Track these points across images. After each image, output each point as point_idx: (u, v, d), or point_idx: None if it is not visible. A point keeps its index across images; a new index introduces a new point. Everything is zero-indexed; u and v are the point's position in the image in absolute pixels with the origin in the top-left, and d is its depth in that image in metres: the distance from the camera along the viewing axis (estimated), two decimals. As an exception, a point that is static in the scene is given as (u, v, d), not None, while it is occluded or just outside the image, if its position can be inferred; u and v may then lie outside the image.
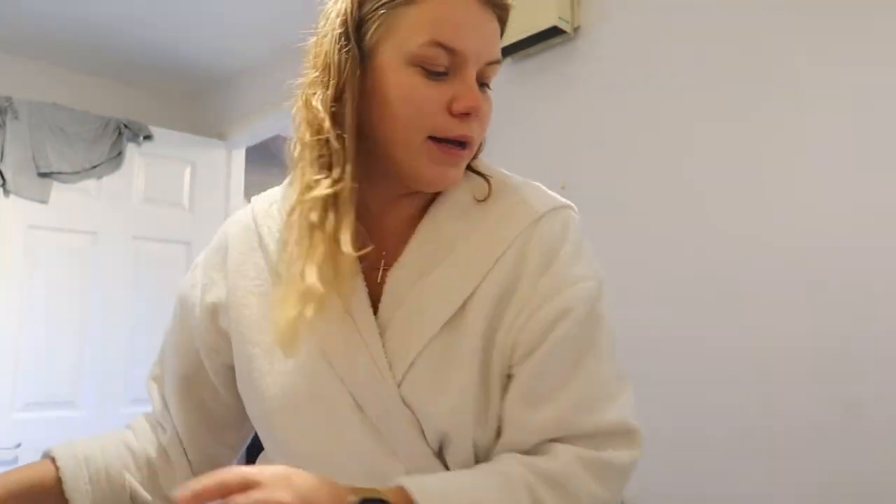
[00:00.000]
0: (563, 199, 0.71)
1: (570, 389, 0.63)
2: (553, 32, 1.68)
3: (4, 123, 2.46)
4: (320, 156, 0.63)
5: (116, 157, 2.72)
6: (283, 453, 0.67)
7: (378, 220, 0.69)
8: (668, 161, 1.50)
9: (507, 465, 0.60)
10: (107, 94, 2.99)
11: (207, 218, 2.96)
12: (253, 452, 0.82)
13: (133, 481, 0.73)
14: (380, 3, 0.62)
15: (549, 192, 0.72)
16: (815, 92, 1.30)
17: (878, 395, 1.16)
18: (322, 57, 0.64)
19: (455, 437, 0.63)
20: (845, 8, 1.28)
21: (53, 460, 0.71)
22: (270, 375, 0.67)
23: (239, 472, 0.50)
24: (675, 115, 1.50)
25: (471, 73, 0.64)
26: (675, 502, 1.36)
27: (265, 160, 4.06)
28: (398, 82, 0.63)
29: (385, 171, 0.67)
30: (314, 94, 0.64)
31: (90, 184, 2.66)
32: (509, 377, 0.65)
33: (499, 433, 0.65)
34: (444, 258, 0.66)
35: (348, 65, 0.63)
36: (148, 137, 2.80)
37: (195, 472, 0.76)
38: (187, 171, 2.93)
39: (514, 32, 1.67)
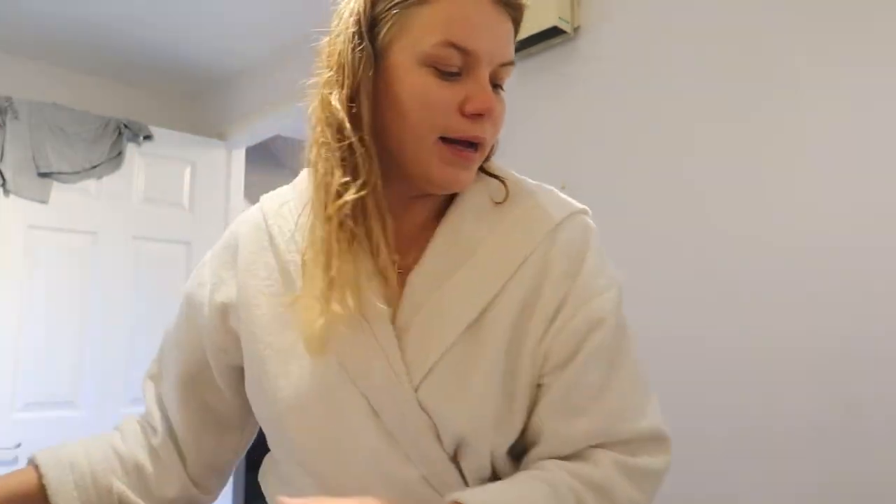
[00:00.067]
0: (578, 204, 0.72)
1: (606, 398, 0.64)
2: (553, 32, 1.68)
3: (4, 123, 2.46)
4: (343, 158, 0.62)
5: (116, 157, 2.72)
6: (294, 456, 0.67)
7: (392, 222, 0.69)
8: (668, 161, 1.50)
9: (553, 472, 0.61)
10: (107, 94, 2.99)
11: (207, 218, 2.96)
12: (253, 455, 0.82)
13: (121, 486, 0.71)
14: (393, 2, 0.62)
15: (563, 195, 0.73)
16: (815, 92, 1.30)
17: (878, 395, 1.16)
18: (336, 56, 0.64)
19: (473, 442, 0.63)
20: (845, 8, 1.28)
21: (37, 467, 0.70)
22: (283, 377, 0.66)
23: (324, 500, 0.53)
24: (675, 115, 1.50)
25: (484, 74, 0.63)
26: (674, 502, 1.36)
27: (265, 160, 4.06)
28: (410, 82, 0.62)
29: (397, 172, 0.66)
30: (331, 93, 0.63)
31: (90, 184, 2.66)
32: (539, 386, 0.65)
33: (518, 439, 0.66)
34: (464, 263, 0.66)
35: (362, 64, 0.62)
36: (148, 137, 2.80)
37: (191, 475, 0.75)
38: (187, 171, 2.93)
39: (514, 32, 1.67)
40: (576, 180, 1.53)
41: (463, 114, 0.62)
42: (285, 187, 0.77)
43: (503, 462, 0.66)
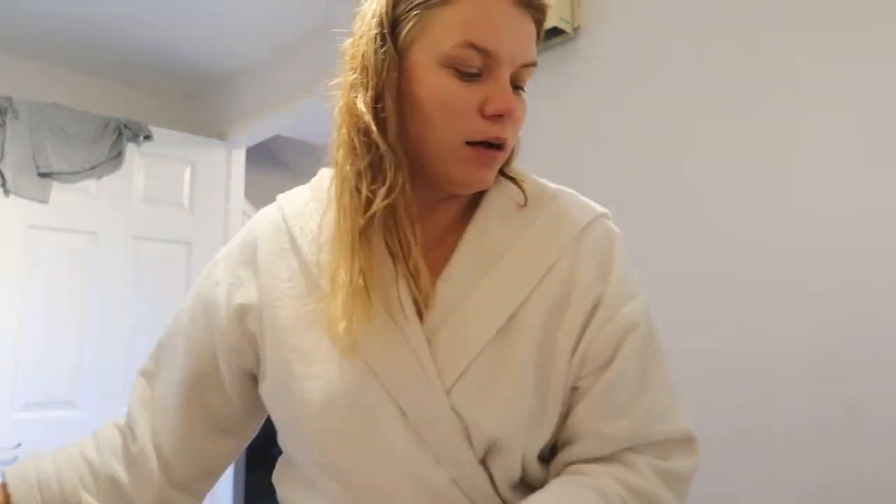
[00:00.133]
0: (600, 207, 0.73)
1: (644, 400, 0.66)
2: (553, 32, 1.68)
3: (4, 123, 2.46)
4: (371, 164, 0.62)
5: (116, 157, 2.72)
6: (319, 458, 0.66)
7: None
8: (668, 161, 1.50)
9: (601, 479, 0.62)
10: (107, 94, 2.99)
11: (207, 218, 2.97)
12: (253, 455, 0.81)
13: (90, 501, 0.70)
14: (414, 3, 0.62)
15: (584, 198, 0.74)
16: (815, 92, 1.30)
17: (878, 395, 1.16)
18: (360, 58, 0.64)
19: (505, 445, 0.63)
20: (845, 8, 1.28)
21: (5, 487, 0.69)
22: (309, 380, 0.65)
23: None
24: (675, 115, 1.50)
25: (504, 75, 0.63)
26: (675, 502, 1.36)
27: (265, 160, 4.06)
28: (430, 83, 0.62)
29: (420, 174, 0.66)
30: (356, 96, 0.63)
31: (90, 184, 2.66)
32: (575, 389, 0.66)
33: (549, 442, 0.67)
34: (493, 267, 0.66)
35: (386, 66, 0.62)
36: (148, 137, 2.80)
37: (179, 480, 0.74)
38: (187, 171, 2.93)
39: (514, 32, 1.67)
40: (576, 180, 1.52)
41: (483, 115, 0.62)
42: (303, 187, 0.76)
43: (533, 464, 0.66)
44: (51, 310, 2.51)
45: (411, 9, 0.62)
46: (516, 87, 0.65)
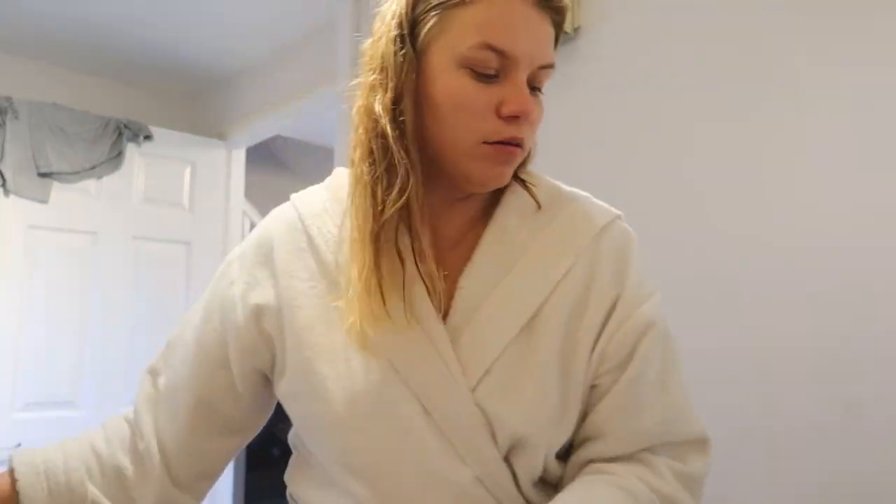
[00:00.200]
0: (614, 209, 0.74)
1: (664, 400, 0.68)
2: (553, 32, 1.68)
3: (4, 123, 2.46)
4: (388, 167, 0.63)
5: (116, 157, 2.72)
6: (341, 458, 0.66)
7: (433, 225, 0.69)
8: (668, 161, 1.50)
9: (628, 480, 0.63)
10: (107, 94, 2.99)
11: (207, 218, 2.97)
12: (253, 455, 0.81)
13: (95, 492, 0.70)
14: (432, 3, 0.62)
15: (598, 201, 0.75)
16: (815, 92, 1.30)
17: (878, 395, 1.16)
18: (379, 59, 0.64)
19: (529, 442, 0.64)
20: (845, 8, 1.28)
21: (13, 471, 0.69)
22: (331, 379, 0.65)
23: None
24: (675, 115, 1.50)
25: (521, 77, 0.63)
26: (675, 502, 1.36)
27: (265, 160, 4.06)
28: (447, 84, 0.63)
29: (438, 174, 0.67)
30: (375, 97, 0.64)
31: (90, 184, 2.66)
32: (594, 387, 0.68)
33: (570, 439, 0.68)
34: (513, 266, 0.67)
35: (405, 68, 0.63)
36: (148, 137, 2.80)
37: (180, 480, 0.73)
38: (187, 171, 2.93)
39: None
40: (576, 180, 1.52)
41: (499, 116, 0.63)
42: (317, 187, 0.77)
43: (552, 462, 0.67)
44: (51, 310, 2.52)
45: (430, 9, 0.63)
46: (533, 88, 0.66)
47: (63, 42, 2.69)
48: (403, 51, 0.63)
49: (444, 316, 0.66)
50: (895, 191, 1.19)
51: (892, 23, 1.22)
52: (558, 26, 0.67)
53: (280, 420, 0.80)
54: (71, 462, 0.71)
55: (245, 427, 0.77)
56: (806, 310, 1.26)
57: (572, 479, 0.67)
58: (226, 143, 3.06)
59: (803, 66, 1.32)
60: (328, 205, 0.72)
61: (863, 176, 1.23)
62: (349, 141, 0.67)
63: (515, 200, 0.71)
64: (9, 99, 2.49)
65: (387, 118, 0.62)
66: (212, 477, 0.77)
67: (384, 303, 0.62)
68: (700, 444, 0.69)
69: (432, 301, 0.65)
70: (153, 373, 0.77)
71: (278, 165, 4.29)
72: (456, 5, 0.62)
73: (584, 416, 0.68)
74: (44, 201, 2.53)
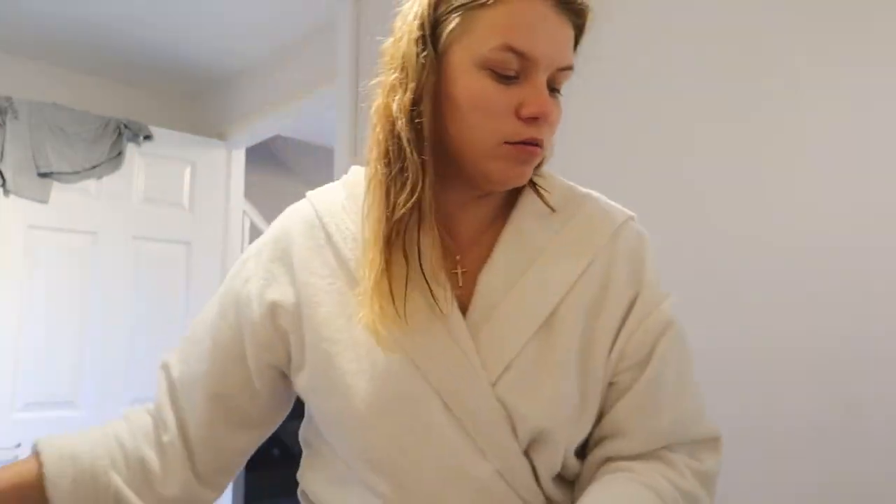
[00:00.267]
0: (626, 210, 0.76)
1: (680, 400, 0.70)
2: (553, 32, 1.68)
3: (4, 123, 2.46)
4: (402, 168, 0.63)
5: (116, 157, 2.73)
6: (363, 454, 0.67)
7: (451, 223, 0.71)
8: (668, 161, 1.50)
9: (652, 478, 0.64)
10: (107, 94, 2.99)
11: (207, 218, 2.97)
12: (251, 457, 0.80)
13: (119, 482, 0.70)
14: (454, 5, 0.63)
15: (611, 201, 0.77)
16: (815, 92, 1.30)
17: (878, 395, 1.16)
18: (400, 59, 0.65)
19: (549, 436, 0.65)
20: (845, 8, 1.28)
21: (38, 455, 0.69)
22: (351, 374, 0.66)
23: None
24: (675, 115, 1.50)
25: (541, 79, 0.64)
26: (675, 502, 1.36)
27: (265, 160, 4.07)
28: (467, 84, 0.63)
29: (457, 172, 0.68)
30: (393, 98, 0.64)
31: (90, 184, 2.66)
32: (612, 384, 0.70)
33: (589, 435, 0.70)
34: (531, 264, 0.69)
35: (426, 70, 0.63)
36: (148, 137, 2.80)
37: (201, 474, 0.74)
38: (187, 171, 2.93)
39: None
40: (576, 180, 1.52)
41: (519, 117, 0.64)
42: (333, 185, 0.78)
43: (570, 459, 0.69)
44: (51, 310, 2.52)
45: (452, 10, 0.63)
46: (552, 89, 0.66)
47: (63, 42, 2.69)
48: (425, 52, 0.63)
49: (464, 312, 0.67)
50: (895, 191, 1.19)
51: (892, 23, 1.22)
52: (578, 29, 0.68)
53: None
54: (96, 450, 0.71)
55: (263, 422, 0.77)
56: (806, 310, 1.26)
57: (590, 476, 0.68)
58: (226, 143, 3.06)
59: (803, 66, 1.32)
60: (346, 202, 0.73)
61: (863, 176, 1.23)
62: (366, 138, 0.68)
63: (531, 201, 0.72)
64: (9, 99, 2.49)
65: (404, 119, 0.63)
66: (231, 472, 0.78)
67: (394, 301, 0.63)
68: (713, 442, 0.71)
69: (434, 300, 0.65)
70: (169, 368, 0.77)
71: (278, 165, 4.29)
72: (478, 7, 0.62)
73: (601, 414, 0.70)
74: (44, 201, 2.53)
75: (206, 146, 3.01)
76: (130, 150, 2.76)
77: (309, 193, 0.77)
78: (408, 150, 0.63)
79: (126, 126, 2.74)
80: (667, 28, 1.54)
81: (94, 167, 2.65)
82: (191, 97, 3.28)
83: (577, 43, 0.69)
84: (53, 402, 2.49)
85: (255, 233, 3.48)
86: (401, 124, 0.63)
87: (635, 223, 0.76)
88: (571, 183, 0.78)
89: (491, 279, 0.68)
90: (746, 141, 1.38)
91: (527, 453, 0.66)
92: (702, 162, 1.45)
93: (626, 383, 0.69)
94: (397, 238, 0.64)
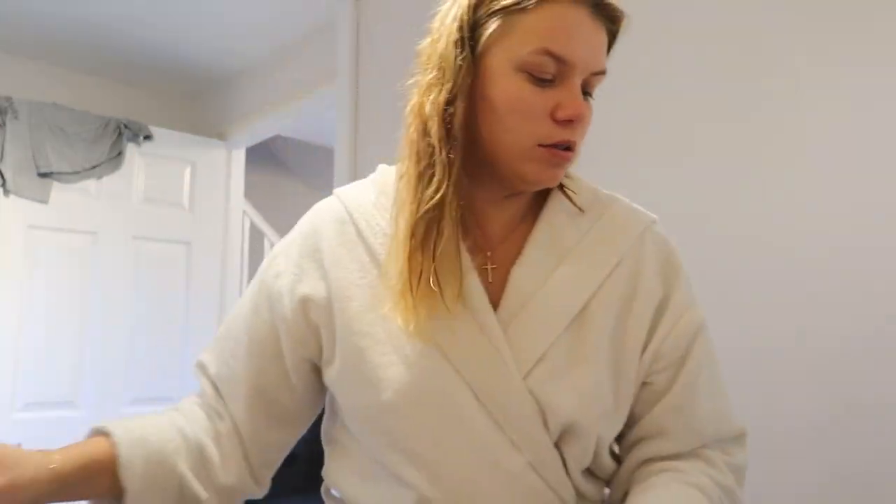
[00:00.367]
0: (650, 213, 0.79)
1: (714, 400, 0.73)
2: (553, 32, 1.68)
3: (4, 123, 2.46)
4: (430, 164, 0.65)
5: (116, 157, 2.73)
6: (397, 446, 0.67)
7: (482, 221, 0.73)
8: (668, 161, 1.50)
9: (697, 477, 0.67)
10: (107, 94, 3.00)
11: (207, 218, 2.97)
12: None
13: (184, 467, 0.69)
14: (493, 8, 0.64)
15: (634, 204, 0.80)
16: (815, 92, 1.30)
17: (878, 395, 1.16)
18: (437, 59, 0.66)
19: (580, 429, 0.66)
20: (845, 8, 1.28)
21: (108, 436, 0.68)
22: (383, 368, 0.67)
23: None
24: (675, 115, 1.50)
25: (576, 82, 0.66)
26: (675, 502, 1.36)
27: (265, 160, 4.07)
28: (505, 87, 0.65)
29: (490, 171, 0.69)
30: (428, 98, 0.66)
31: (90, 184, 2.66)
32: (646, 384, 0.72)
33: (624, 436, 0.73)
34: (562, 261, 0.71)
35: (462, 72, 0.65)
36: (148, 137, 2.80)
37: (251, 465, 0.74)
38: (187, 171, 2.93)
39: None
40: (576, 180, 1.52)
41: (554, 119, 0.65)
42: (362, 183, 0.79)
43: (603, 457, 0.71)
44: (51, 310, 2.52)
45: (491, 14, 0.65)
46: (585, 92, 0.68)
47: (63, 42, 2.69)
48: (463, 54, 0.65)
49: (495, 307, 0.68)
50: (895, 191, 1.19)
51: (892, 23, 1.22)
52: (612, 34, 0.69)
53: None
54: (164, 433, 0.70)
55: (299, 417, 0.77)
56: (806, 310, 1.26)
57: (628, 477, 0.71)
58: (226, 143, 3.06)
59: (803, 66, 1.32)
60: (377, 199, 0.74)
61: (863, 176, 1.23)
62: (401, 136, 0.69)
63: (560, 201, 0.74)
64: (9, 99, 2.49)
65: (436, 118, 0.64)
66: (273, 467, 0.78)
67: (413, 295, 0.64)
68: (742, 438, 0.75)
69: (442, 300, 0.66)
70: (205, 367, 0.77)
71: (278, 165, 4.29)
72: (518, 11, 0.64)
73: (635, 415, 0.72)
74: (44, 201, 2.53)
75: (206, 146, 3.01)
76: (130, 150, 2.76)
77: (336, 190, 0.78)
78: (437, 147, 0.64)
79: (126, 126, 2.74)
80: (667, 28, 1.54)
81: (94, 167, 2.65)
82: (191, 97, 3.28)
83: (609, 48, 0.70)
84: (53, 402, 2.49)
85: (254, 233, 3.48)
86: (433, 123, 0.64)
87: (658, 227, 0.78)
88: (595, 185, 0.80)
89: (523, 274, 0.69)
90: (746, 141, 1.38)
91: (557, 446, 0.67)
92: (702, 162, 1.45)
93: (662, 384, 0.71)
94: (425, 233, 0.65)
